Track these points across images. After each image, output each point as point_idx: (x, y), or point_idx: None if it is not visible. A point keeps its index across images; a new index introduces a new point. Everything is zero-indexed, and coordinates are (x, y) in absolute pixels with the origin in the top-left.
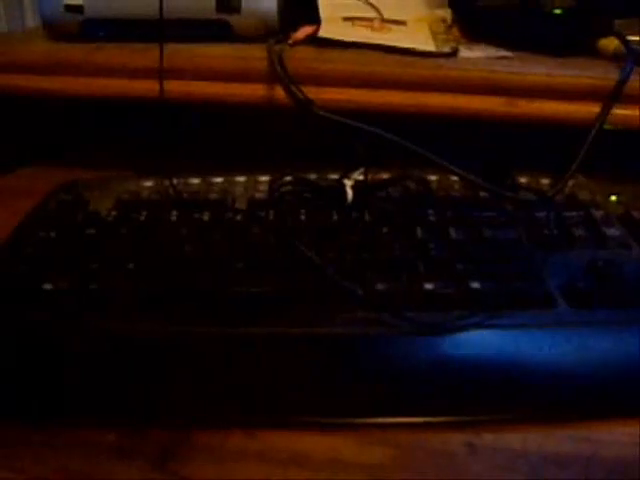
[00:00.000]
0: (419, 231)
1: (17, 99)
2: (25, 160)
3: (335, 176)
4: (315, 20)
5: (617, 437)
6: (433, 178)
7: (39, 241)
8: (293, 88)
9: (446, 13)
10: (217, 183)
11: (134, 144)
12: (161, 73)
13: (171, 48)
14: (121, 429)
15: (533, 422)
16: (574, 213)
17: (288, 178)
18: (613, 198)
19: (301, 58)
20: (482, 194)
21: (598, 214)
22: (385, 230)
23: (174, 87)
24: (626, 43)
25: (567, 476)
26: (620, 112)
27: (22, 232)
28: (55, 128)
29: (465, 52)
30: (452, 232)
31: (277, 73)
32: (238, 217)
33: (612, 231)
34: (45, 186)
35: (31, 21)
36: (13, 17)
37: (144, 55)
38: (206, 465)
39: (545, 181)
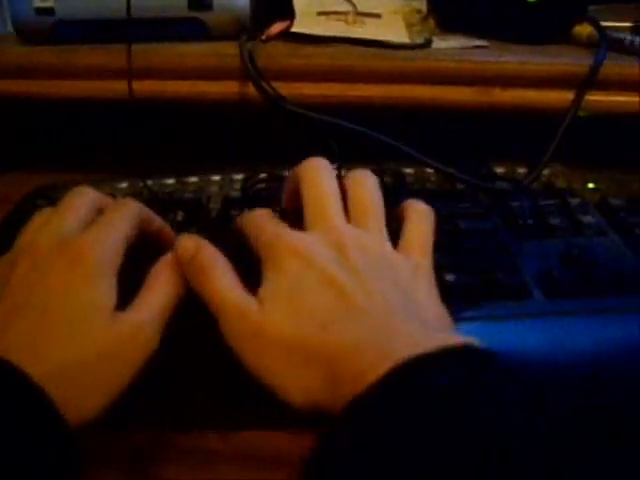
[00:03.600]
0: None
1: None
2: (1, 166)
3: None
4: (290, 15)
5: None
6: (409, 171)
7: None
8: (265, 85)
9: (421, 4)
10: (192, 183)
11: (108, 146)
12: (130, 72)
13: (144, 47)
14: (96, 433)
15: None
16: (550, 201)
17: (262, 175)
18: (590, 185)
19: (274, 54)
20: (458, 185)
21: (574, 202)
22: None
23: (147, 87)
24: (599, 29)
25: None
26: (594, 98)
27: None
28: (29, 133)
29: (439, 43)
30: None
31: (248, 70)
32: (212, 216)
33: (588, 219)
34: (22, 192)
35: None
36: None
37: (117, 56)
38: (182, 467)
39: (521, 170)
